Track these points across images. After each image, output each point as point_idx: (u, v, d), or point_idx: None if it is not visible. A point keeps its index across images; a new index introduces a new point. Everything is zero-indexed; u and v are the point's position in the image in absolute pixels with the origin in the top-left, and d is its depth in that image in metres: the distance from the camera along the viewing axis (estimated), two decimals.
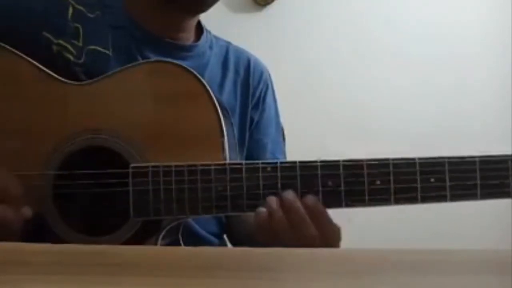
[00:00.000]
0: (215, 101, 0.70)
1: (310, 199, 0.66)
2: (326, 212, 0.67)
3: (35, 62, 0.73)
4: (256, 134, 0.94)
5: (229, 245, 0.95)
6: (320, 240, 0.66)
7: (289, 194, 0.66)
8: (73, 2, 0.81)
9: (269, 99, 0.97)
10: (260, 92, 0.96)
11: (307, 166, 0.66)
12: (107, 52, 0.81)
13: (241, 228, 0.90)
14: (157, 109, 0.71)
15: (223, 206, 0.66)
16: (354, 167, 0.66)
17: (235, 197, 0.66)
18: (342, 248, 0.66)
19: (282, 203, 0.66)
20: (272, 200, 0.66)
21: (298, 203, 0.66)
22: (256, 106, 0.94)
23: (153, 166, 0.67)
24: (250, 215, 0.69)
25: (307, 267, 0.43)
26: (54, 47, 0.78)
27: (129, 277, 0.39)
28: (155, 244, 0.69)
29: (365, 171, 0.66)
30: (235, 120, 0.90)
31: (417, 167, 0.65)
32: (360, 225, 1.69)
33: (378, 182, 0.66)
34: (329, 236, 0.67)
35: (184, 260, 0.46)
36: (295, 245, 0.65)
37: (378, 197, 0.66)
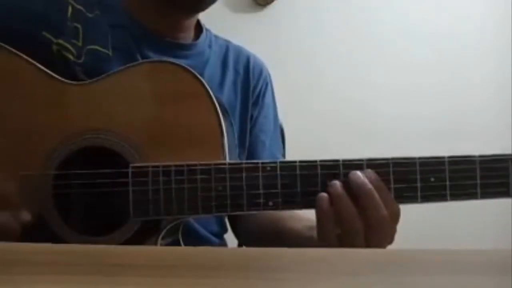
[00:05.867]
0: (215, 101, 0.70)
1: (371, 173, 0.64)
2: (386, 187, 0.65)
3: (35, 62, 0.72)
4: (254, 130, 0.94)
5: (229, 245, 0.95)
6: (388, 219, 0.63)
7: (357, 176, 0.64)
8: (72, 2, 0.81)
9: (268, 96, 0.97)
10: (260, 89, 0.96)
11: (307, 166, 0.66)
12: (107, 51, 0.81)
13: (252, 226, 0.91)
14: (157, 109, 0.71)
15: (223, 205, 0.66)
16: (354, 166, 0.66)
17: (235, 197, 0.66)
18: (342, 248, 0.66)
19: (349, 187, 0.64)
20: (336, 185, 0.64)
21: (370, 185, 0.63)
22: (255, 103, 0.94)
23: (152, 166, 0.67)
24: (263, 213, 0.67)
25: (307, 267, 0.43)
26: (54, 47, 0.78)
27: (129, 277, 0.39)
28: (155, 244, 0.69)
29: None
30: (236, 118, 0.90)
31: (417, 167, 0.65)
32: None
33: None
34: (394, 213, 0.64)
35: (184, 260, 0.46)
36: (359, 235, 0.63)
37: None
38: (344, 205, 0.63)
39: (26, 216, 0.65)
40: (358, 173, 0.64)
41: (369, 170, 0.64)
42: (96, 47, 0.80)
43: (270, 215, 0.87)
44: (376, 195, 0.63)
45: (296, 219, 0.83)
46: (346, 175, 0.66)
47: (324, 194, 0.64)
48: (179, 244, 0.73)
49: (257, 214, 0.88)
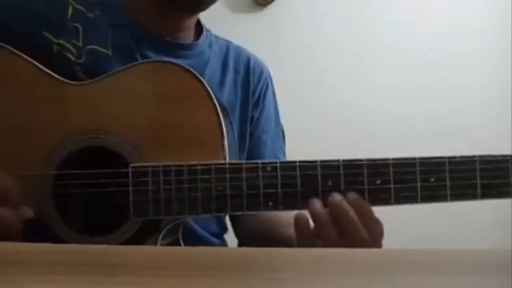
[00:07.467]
0: (215, 101, 0.70)
1: (353, 195, 0.65)
2: (371, 209, 0.66)
3: (35, 62, 0.73)
4: (256, 131, 0.94)
5: (229, 245, 0.95)
6: (368, 240, 0.65)
7: (336, 196, 0.65)
8: (72, 2, 0.81)
9: (269, 97, 0.97)
10: (260, 90, 0.96)
11: (307, 166, 0.66)
12: (107, 51, 0.81)
13: (248, 227, 0.91)
14: (157, 109, 0.71)
15: (222, 206, 0.66)
16: (354, 166, 0.66)
17: (235, 197, 0.66)
18: (342, 248, 0.66)
19: (329, 206, 0.65)
20: (316, 203, 0.65)
21: (347, 205, 0.64)
22: (256, 104, 0.94)
23: (152, 166, 0.67)
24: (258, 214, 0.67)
25: (307, 267, 0.43)
26: (55, 47, 0.78)
27: (129, 277, 0.39)
28: (155, 244, 0.69)
29: (365, 171, 0.66)
30: (236, 118, 0.90)
31: (417, 167, 0.65)
32: None
33: (378, 182, 0.66)
34: (375, 234, 0.65)
35: (184, 260, 0.46)
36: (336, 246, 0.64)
37: (378, 197, 0.66)
38: (323, 223, 0.64)
39: (28, 212, 0.65)
40: (339, 197, 0.65)
41: (352, 193, 0.65)
42: (96, 47, 0.80)
43: (262, 217, 0.87)
44: (352, 214, 0.64)
45: (284, 225, 0.83)
46: (346, 175, 0.66)
47: (303, 214, 0.65)
48: (179, 244, 0.73)
49: (254, 215, 0.88)
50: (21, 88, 0.73)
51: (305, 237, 0.66)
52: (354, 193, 0.65)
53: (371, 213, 0.66)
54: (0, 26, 0.77)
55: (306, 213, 0.66)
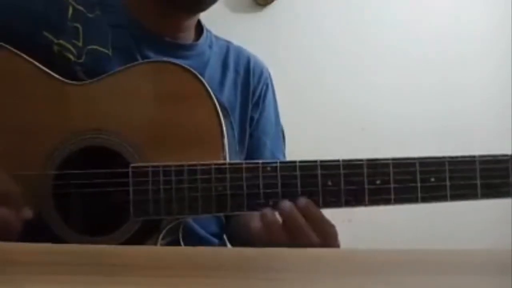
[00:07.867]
0: (215, 101, 0.70)
1: (302, 201, 0.65)
2: (320, 212, 0.66)
3: (35, 62, 0.73)
4: (256, 132, 0.94)
5: (229, 245, 0.95)
6: (320, 244, 0.66)
7: (286, 204, 0.65)
8: (73, 2, 0.81)
9: (269, 98, 0.97)
10: (260, 91, 0.96)
11: (307, 166, 0.66)
12: (107, 51, 0.81)
13: (242, 232, 0.90)
14: (157, 109, 0.71)
15: (223, 206, 0.66)
16: (354, 166, 0.66)
17: (235, 197, 0.66)
18: (342, 248, 0.66)
19: (280, 213, 0.66)
20: (268, 213, 0.66)
21: (296, 213, 0.65)
22: (256, 105, 0.94)
23: (153, 166, 0.67)
24: (251, 218, 0.69)
25: (307, 267, 0.43)
26: (55, 47, 0.78)
27: (129, 277, 0.39)
28: (155, 244, 0.69)
29: (365, 171, 0.66)
30: (235, 119, 0.90)
31: (417, 167, 0.65)
32: (360, 225, 1.69)
33: (378, 182, 0.65)
34: (326, 237, 0.66)
35: (184, 260, 0.46)
36: None
37: (378, 197, 0.66)
38: (275, 231, 0.65)
39: (27, 213, 0.65)
40: (287, 201, 0.65)
41: (301, 199, 0.65)
42: (96, 47, 0.80)
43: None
44: (301, 220, 0.65)
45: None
46: (346, 175, 0.66)
47: (257, 223, 0.67)
48: (179, 244, 0.73)
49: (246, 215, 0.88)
50: (21, 88, 0.73)
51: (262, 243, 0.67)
52: (304, 198, 0.65)
53: (320, 218, 0.66)
54: (0, 26, 0.77)
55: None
